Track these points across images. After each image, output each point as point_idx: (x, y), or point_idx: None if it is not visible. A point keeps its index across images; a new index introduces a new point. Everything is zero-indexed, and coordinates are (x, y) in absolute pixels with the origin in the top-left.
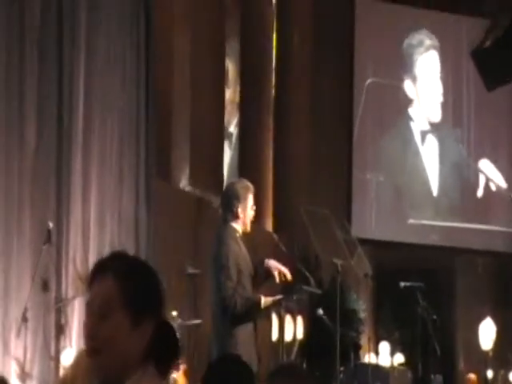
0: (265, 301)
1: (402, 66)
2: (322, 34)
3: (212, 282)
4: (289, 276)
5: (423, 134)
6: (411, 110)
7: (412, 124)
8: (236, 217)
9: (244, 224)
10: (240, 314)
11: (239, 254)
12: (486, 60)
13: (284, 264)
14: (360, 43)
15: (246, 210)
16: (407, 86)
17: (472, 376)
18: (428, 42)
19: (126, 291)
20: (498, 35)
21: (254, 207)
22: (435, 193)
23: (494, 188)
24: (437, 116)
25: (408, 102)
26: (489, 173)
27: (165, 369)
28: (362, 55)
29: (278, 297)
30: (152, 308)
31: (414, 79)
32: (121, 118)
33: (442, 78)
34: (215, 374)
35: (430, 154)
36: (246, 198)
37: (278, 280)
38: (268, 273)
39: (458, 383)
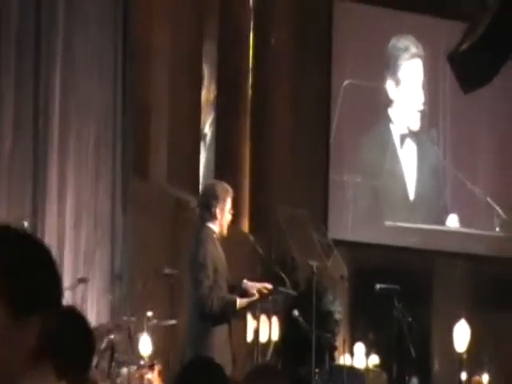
0: (240, 302)
1: (382, 65)
2: (300, 35)
3: (189, 281)
4: (269, 286)
5: (402, 137)
6: (391, 112)
7: (391, 126)
8: (214, 217)
9: (221, 226)
10: (216, 313)
11: (216, 254)
12: (462, 63)
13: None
14: (338, 45)
15: (224, 212)
16: (389, 87)
17: (477, 378)
18: (414, 49)
19: None
20: (474, 38)
21: (232, 211)
22: (412, 195)
23: (471, 191)
24: (416, 123)
25: (386, 104)
26: (466, 176)
27: (69, 366)
28: (339, 57)
29: (253, 298)
30: (38, 297)
31: (397, 82)
32: (98, 117)
33: (423, 86)
34: (187, 378)
35: (407, 157)
36: (224, 200)
37: (259, 297)
38: (247, 293)
39: None
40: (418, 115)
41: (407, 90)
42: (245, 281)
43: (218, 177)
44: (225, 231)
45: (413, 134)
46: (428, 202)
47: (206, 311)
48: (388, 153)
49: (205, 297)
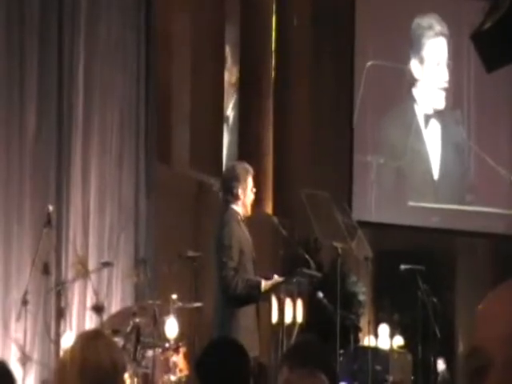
0: (265, 284)
1: (406, 46)
2: (321, 17)
3: (214, 263)
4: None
5: (426, 117)
6: (415, 91)
7: (415, 106)
8: (236, 198)
9: (244, 206)
10: (240, 295)
11: (241, 235)
12: (485, 42)
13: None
14: (361, 25)
15: (246, 192)
16: (414, 66)
17: None
18: (438, 27)
19: None
20: (497, 16)
21: (254, 190)
22: (436, 175)
23: (494, 171)
24: (441, 102)
25: (410, 84)
26: (489, 156)
27: None
28: (362, 38)
29: (279, 280)
30: None
31: (421, 61)
32: (121, 103)
33: (448, 64)
34: (209, 357)
35: (431, 137)
36: (245, 180)
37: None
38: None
39: (458, 365)
40: (443, 94)
41: (432, 68)
42: (276, 276)
43: (241, 159)
44: (249, 211)
45: (437, 114)
46: (452, 182)
47: (230, 293)
48: (412, 133)
49: (229, 279)
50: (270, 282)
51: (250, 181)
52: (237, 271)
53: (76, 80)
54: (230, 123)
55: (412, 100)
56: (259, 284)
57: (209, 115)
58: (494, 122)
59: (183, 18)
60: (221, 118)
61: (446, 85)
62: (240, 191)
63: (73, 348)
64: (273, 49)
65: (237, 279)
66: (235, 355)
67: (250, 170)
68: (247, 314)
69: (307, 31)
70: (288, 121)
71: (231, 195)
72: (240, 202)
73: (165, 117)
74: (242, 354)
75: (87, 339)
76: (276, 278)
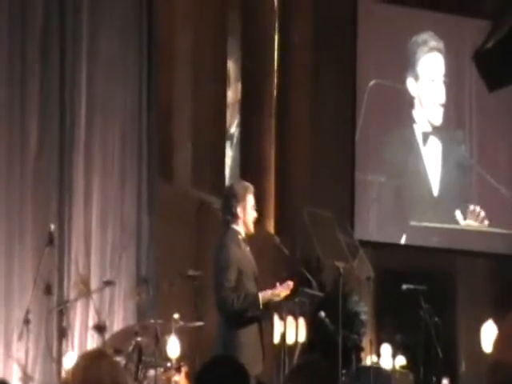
0: (263, 295)
1: (405, 64)
2: (323, 35)
3: (213, 285)
4: (290, 284)
5: (425, 136)
6: (414, 112)
7: (414, 125)
8: (236, 218)
9: (245, 225)
10: (238, 310)
11: (240, 255)
12: (487, 61)
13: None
14: (362, 44)
15: (246, 210)
16: (410, 84)
17: None
18: (433, 43)
19: None
20: (500, 36)
21: (255, 207)
22: (436, 194)
23: (495, 190)
24: (438, 118)
25: (411, 103)
26: (490, 174)
27: None
28: (364, 56)
29: (276, 290)
30: None
31: (416, 78)
32: (122, 119)
33: (445, 81)
34: (208, 374)
35: (431, 156)
36: (244, 198)
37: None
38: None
39: None
40: (441, 110)
41: (427, 84)
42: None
43: (243, 178)
44: (251, 229)
45: (436, 131)
46: (452, 201)
47: (228, 310)
48: (411, 152)
49: (225, 298)
50: (268, 292)
51: (249, 198)
52: (233, 291)
53: (78, 98)
54: (233, 141)
55: (411, 118)
56: (256, 295)
57: (211, 133)
58: (495, 140)
59: (185, 34)
60: (223, 135)
61: (442, 101)
62: (239, 210)
63: (75, 368)
64: (275, 67)
65: (233, 296)
66: (234, 373)
67: (250, 187)
68: (249, 331)
69: (309, 49)
70: (290, 139)
71: (231, 215)
72: (240, 221)
73: (167, 134)
74: (242, 372)
75: (90, 359)
76: (277, 288)
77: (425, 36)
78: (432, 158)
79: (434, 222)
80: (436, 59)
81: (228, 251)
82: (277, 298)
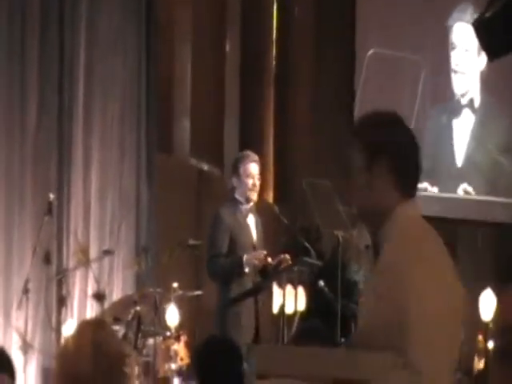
0: (247, 257)
1: (409, 34)
2: (324, 5)
3: None
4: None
5: (429, 105)
6: (417, 79)
7: (418, 94)
8: (234, 188)
9: (243, 193)
10: (223, 274)
11: (234, 224)
12: (487, 30)
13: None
14: (362, 13)
15: (241, 179)
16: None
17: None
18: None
19: None
20: (500, 4)
21: (255, 174)
22: (436, 163)
23: (496, 159)
24: (445, 88)
25: (412, 74)
26: (492, 144)
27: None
28: (364, 26)
29: (260, 253)
30: None
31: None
32: (121, 92)
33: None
34: (202, 356)
35: (433, 125)
36: (237, 169)
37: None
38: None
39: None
40: (450, 80)
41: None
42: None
43: (242, 149)
44: (251, 197)
45: (442, 101)
46: (450, 170)
47: (214, 274)
48: (413, 121)
49: (209, 263)
50: (251, 254)
51: (245, 168)
52: (223, 256)
53: (77, 71)
54: (232, 112)
55: (413, 90)
56: (240, 256)
57: (210, 104)
58: (496, 110)
59: (184, 8)
60: (222, 107)
61: (460, 70)
62: (234, 180)
63: (81, 334)
64: (274, 38)
65: (218, 261)
66: (227, 352)
67: (247, 156)
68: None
69: (309, 20)
70: (289, 109)
71: (232, 186)
72: (238, 191)
73: (166, 106)
74: (235, 352)
75: (95, 327)
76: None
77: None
78: (433, 127)
79: (432, 191)
80: (465, 29)
81: (219, 219)
82: (259, 262)
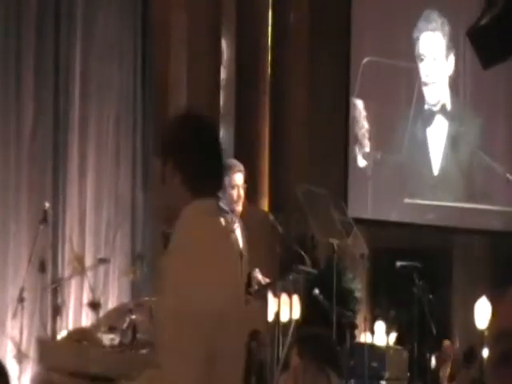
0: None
1: (407, 43)
2: (319, 11)
3: None
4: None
5: (424, 112)
6: (412, 87)
7: (414, 103)
8: (218, 198)
9: (227, 205)
10: None
11: None
12: (481, 38)
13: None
14: (357, 21)
15: (226, 190)
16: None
17: (447, 342)
18: (436, 22)
19: None
20: (494, 13)
21: (239, 184)
22: (433, 172)
23: (490, 167)
24: (436, 96)
25: (408, 80)
26: (486, 152)
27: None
28: (359, 34)
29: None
30: None
31: (419, 56)
32: (117, 97)
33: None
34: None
35: (430, 134)
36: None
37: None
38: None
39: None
40: (439, 87)
41: (430, 64)
42: (257, 270)
43: (237, 156)
44: (236, 208)
45: (435, 108)
46: (448, 179)
47: None
48: (409, 129)
49: None
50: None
51: (230, 179)
52: None
53: (73, 76)
54: (227, 118)
55: (409, 95)
56: None
57: (205, 110)
58: (490, 118)
59: (180, 12)
60: (217, 113)
61: (446, 78)
62: (220, 192)
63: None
64: (269, 43)
65: None
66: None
67: (232, 167)
68: None
69: (304, 26)
70: (284, 116)
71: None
72: (223, 202)
73: (161, 111)
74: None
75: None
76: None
77: (430, 15)
78: (430, 135)
79: (430, 200)
80: (438, 38)
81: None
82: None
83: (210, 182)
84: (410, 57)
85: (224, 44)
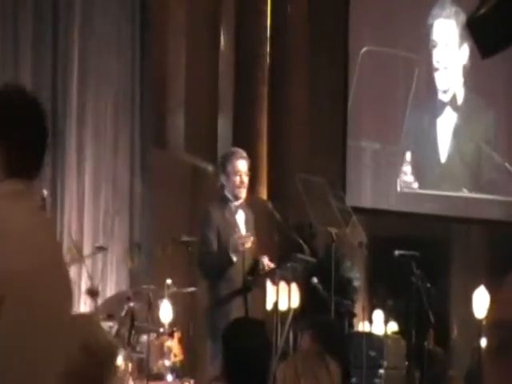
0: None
1: (400, 30)
2: (316, 4)
3: None
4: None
5: (422, 102)
6: (410, 76)
7: (412, 92)
8: (223, 185)
9: (231, 191)
10: (212, 268)
11: (221, 221)
12: (481, 27)
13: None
14: (355, 11)
15: (230, 177)
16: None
17: None
18: (450, 9)
19: None
20: (493, 1)
21: (242, 171)
22: (432, 161)
23: (490, 157)
24: (436, 84)
25: (407, 70)
26: (486, 142)
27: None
28: (357, 23)
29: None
30: None
31: (432, 45)
32: (116, 87)
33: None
34: (230, 338)
35: (433, 123)
36: (225, 167)
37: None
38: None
39: (452, 351)
40: (439, 76)
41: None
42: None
43: (236, 145)
44: (239, 194)
45: (435, 98)
46: (447, 168)
47: (204, 270)
48: (407, 118)
49: (199, 259)
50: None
51: (233, 165)
52: (207, 253)
53: (71, 65)
54: (226, 109)
55: (408, 85)
56: (227, 251)
57: (204, 100)
58: (489, 108)
59: (178, 5)
60: (216, 103)
61: (442, 66)
62: (223, 178)
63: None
64: (268, 36)
65: (207, 256)
66: (255, 333)
67: (234, 154)
68: (233, 299)
69: (303, 18)
70: (283, 106)
71: (220, 183)
72: (227, 189)
73: (160, 101)
74: (262, 332)
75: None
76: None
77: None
78: (429, 125)
79: (428, 189)
80: (450, 26)
81: (207, 217)
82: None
83: (26, 162)
84: (410, 46)
85: (223, 36)
